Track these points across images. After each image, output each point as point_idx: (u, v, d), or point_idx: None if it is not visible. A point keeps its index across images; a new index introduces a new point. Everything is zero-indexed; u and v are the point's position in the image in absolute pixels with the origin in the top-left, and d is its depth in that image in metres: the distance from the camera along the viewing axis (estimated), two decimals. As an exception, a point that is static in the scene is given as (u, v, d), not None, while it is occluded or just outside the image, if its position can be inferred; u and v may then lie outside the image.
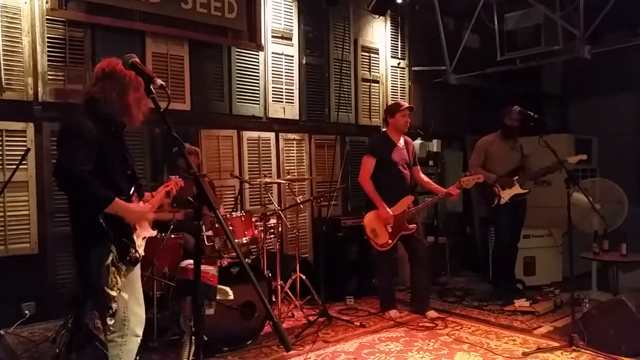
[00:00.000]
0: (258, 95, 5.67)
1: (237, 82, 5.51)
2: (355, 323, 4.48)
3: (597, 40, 5.95)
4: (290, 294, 4.68)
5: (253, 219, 4.31)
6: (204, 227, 3.90)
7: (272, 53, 5.76)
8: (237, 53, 5.51)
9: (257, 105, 5.67)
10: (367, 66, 6.65)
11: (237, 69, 5.51)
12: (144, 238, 2.66)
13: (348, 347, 3.94)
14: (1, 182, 4.01)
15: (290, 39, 5.92)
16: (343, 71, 6.32)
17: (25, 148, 4.05)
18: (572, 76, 8.13)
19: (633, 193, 5.82)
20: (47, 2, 4.36)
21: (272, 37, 5.76)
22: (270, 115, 5.76)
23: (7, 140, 4.23)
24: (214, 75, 5.38)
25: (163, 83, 2.10)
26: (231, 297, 3.55)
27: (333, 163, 6.20)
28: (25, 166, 4.22)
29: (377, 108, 6.74)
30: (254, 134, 5.66)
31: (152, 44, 4.93)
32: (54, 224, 4.41)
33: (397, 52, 7.01)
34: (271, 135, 5.81)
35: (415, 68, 7.19)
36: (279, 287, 4.47)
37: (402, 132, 4.75)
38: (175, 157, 4.43)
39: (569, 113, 8.50)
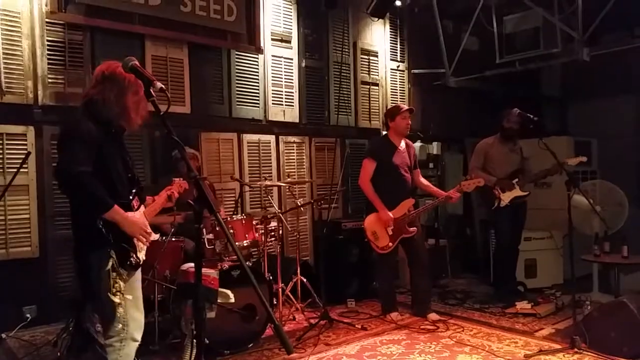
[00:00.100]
0: (258, 98, 5.68)
1: (237, 85, 5.51)
2: (356, 326, 4.47)
3: (595, 43, 5.97)
4: (291, 296, 4.68)
5: (254, 222, 4.31)
6: (204, 230, 3.90)
7: (272, 56, 5.77)
8: (236, 56, 5.52)
9: (257, 108, 5.68)
10: (367, 69, 6.66)
11: (237, 72, 5.52)
12: (145, 244, 2.64)
13: (349, 350, 3.93)
14: (2, 185, 4.01)
15: (290, 42, 5.93)
16: (342, 74, 6.33)
17: (25, 151, 4.05)
18: (571, 78, 8.15)
19: (633, 195, 5.82)
20: (46, 5, 4.37)
21: (272, 40, 5.77)
22: (270, 118, 5.76)
23: (7, 144, 4.23)
24: (213, 78, 5.38)
25: (163, 86, 2.10)
26: (232, 300, 3.55)
27: (333, 166, 6.20)
28: (26, 170, 4.22)
29: (377, 111, 6.75)
30: (254, 137, 5.66)
31: (152, 47, 4.94)
32: (54, 228, 4.41)
33: (397, 55, 7.02)
34: (271, 138, 5.81)
35: (415, 71, 7.19)
36: (280, 290, 4.47)
37: (403, 135, 4.75)
38: (176, 162, 4.43)
39: (569, 115, 8.51)
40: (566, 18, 5.84)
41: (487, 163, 5.22)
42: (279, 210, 4.96)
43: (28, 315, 4.25)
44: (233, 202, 5.33)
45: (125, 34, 4.78)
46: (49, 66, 4.41)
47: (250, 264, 4.32)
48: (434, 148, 6.92)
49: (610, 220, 5.20)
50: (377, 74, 6.78)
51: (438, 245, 6.33)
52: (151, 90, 2.08)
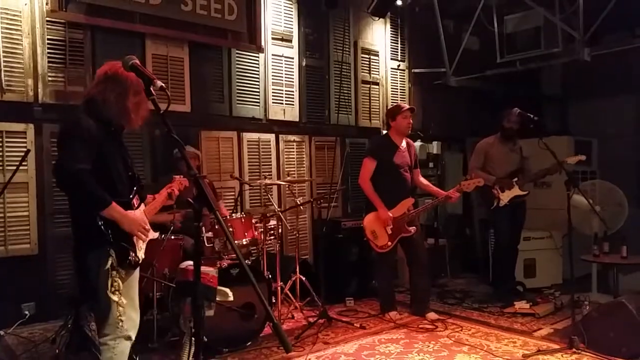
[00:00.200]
0: (258, 97, 5.68)
1: (237, 83, 5.52)
2: (355, 324, 4.48)
3: (596, 43, 5.97)
4: (290, 295, 4.68)
5: (253, 221, 4.31)
6: (203, 228, 3.90)
7: (272, 55, 5.77)
8: (237, 55, 5.52)
9: (257, 107, 5.68)
10: (367, 68, 6.65)
11: (237, 71, 5.52)
12: (144, 241, 2.65)
13: (348, 348, 3.93)
14: (1, 183, 4.02)
15: (290, 41, 5.93)
16: (343, 73, 6.33)
17: (25, 149, 4.05)
18: (572, 78, 8.13)
19: (633, 195, 5.83)
20: (47, 4, 4.37)
21: (272, 39, 5.77)
22: (270, 117, 5.77)
23: (7, 142, 4.23)
24: (214, 77, 5.39)
25: (163, 85, 2.10)
26: (231, 298, 3.54)
27: (333, 165, 6.20)
28: (26, 167, 4.22)
29: (377, 110, 6.75)
30: (254, 136, 5.66)
31: (152, 46, 4.94)
32: (53, 225, 4.42)
33: (397, 54, 7.02)
34: (271, 136, 5.81)
35: (415, 70, 7.19)
36: (278, 288, 4.47)
37: (405, 134, 4.74)
38: (177, 161, 4.43)
39: (569, 115, 8.50)
40: (567, 18, 5.84)
41: (487, 163, 5.22)
42: (279, 209, 4.96)
43: (27, 313, 4.26)
44: (233, 200, 5.33)
45: (126, 33, 4.78)
46: (50, 64, 4.41)
47: (250, 263, 4.33)
48: (434, 147, 6.93)
49: (609, 220, 5.20)
50: (377, 73, 6.78)
51: (437, 245, 6.34)
52: (151, 89, 2.08)
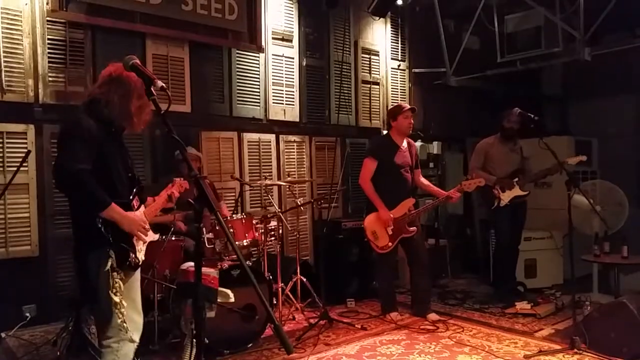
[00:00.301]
0: (258, 97, 5.67)
1: (238, 83, 5.51)
2: (356, 326, 4.47)
3: (597, 42, 5.97)
4: (291, 296, 4.68)
5: (253, 222, 4.30)
6: (204, 229, 3.89)
7: (273, 55, 5.76)
8: (237, 55, 5.51)
9: (258, 107, 5.67)
10: (368, 68, 6.65)
11: (238, 71, 5.51)
12: (144, 242, 2.64)
13: (349, 350, 3.93)
14: (2, 184, 4.00)
15: (291, 41, 5.93)
16: (343, 73, 6.32)
17: (25, 150, 4.05)
18: (572, 78, 8.13)
19: (633, 195, 5.82)
20: (47, 4, 4.36)
21: (273, 38, 5.76)
22: (270, 117, 5.76)
23: (7, 142, 4.22)
24: (214, 77, 5.38)
25: (164, 85, 2.09)
26: (232, 299, 3.54)
27: (333, 165, 6.20)
28: (26, 168, 4.22)
29: (378, 110, 6.75)
30: (255, 136, 5.65)
31: (153, 46, 4.93)
32: (54, 226, 4.41)
33: (398, 54, 7.01)
34: (271, 137, 5.80)
35: (416, 70, 7.19)
36: (279, 289, 4.46)
37: (406, 134, 4.73)
38: (178, 162, 4.42)
39: (569, 115, 8.50)
40: (567, 18, 5.84)
41: (488, 163, 5.22)
42: (279, 210, 4.96)
43: (28, 315, 4.25)
44: (233, 201, 5.33)
45: (126, 33, 4.77)
46: (50, 64, 4.40)
47: (250, 264, 4.32)
48: (435, 147, 6.92)
49: (610, 220, 5.20)
50: (378, 73, 6.77)
51: (438, 245, 6.33)
52: (152, 89, 2.07)
